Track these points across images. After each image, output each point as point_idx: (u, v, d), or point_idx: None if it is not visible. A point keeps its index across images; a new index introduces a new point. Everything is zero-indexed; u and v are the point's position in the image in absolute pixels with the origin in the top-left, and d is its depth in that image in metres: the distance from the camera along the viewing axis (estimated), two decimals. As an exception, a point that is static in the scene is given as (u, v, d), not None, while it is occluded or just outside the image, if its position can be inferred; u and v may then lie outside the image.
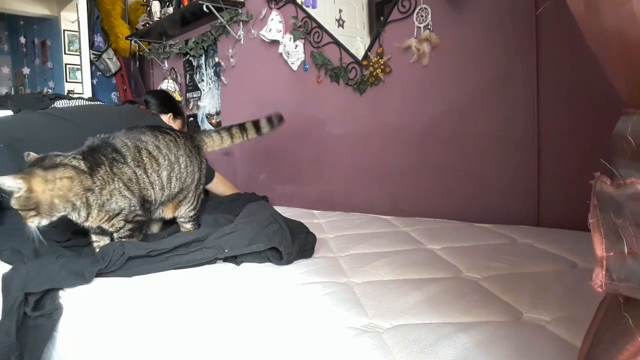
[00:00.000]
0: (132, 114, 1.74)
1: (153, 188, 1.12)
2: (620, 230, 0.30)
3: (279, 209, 1.96)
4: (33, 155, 1.02)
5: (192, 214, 1.25)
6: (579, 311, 0.68)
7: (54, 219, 0.99)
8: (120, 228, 1.08)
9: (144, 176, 1.10)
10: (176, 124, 2.13)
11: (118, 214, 1.06)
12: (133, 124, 1.61)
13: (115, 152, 1.06)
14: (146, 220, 1.15)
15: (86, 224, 1.06)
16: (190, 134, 1.28)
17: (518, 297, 0.75)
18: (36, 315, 0.85)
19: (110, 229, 1.08)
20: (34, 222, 0.96)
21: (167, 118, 2.03)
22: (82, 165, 1.00)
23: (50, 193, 0.95)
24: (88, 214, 1.03)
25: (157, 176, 1.11)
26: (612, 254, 0.30)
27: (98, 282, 0.92)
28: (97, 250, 1.06)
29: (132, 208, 1.07)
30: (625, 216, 0.29)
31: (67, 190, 0.97)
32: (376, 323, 0.68)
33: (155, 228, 1.29)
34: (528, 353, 0.57)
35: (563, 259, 0.97)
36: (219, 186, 1.95)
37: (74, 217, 1.03)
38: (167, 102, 2.19)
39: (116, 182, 1.04)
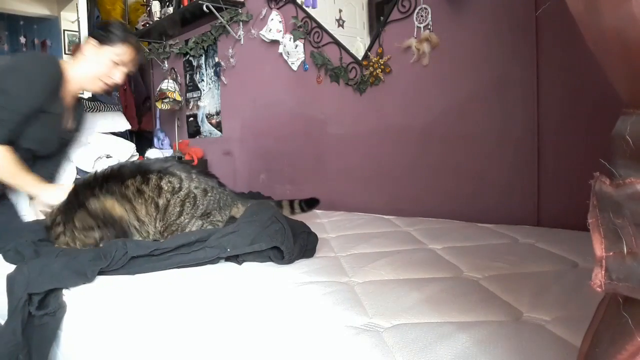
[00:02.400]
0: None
1: (127, 216, 1.16)
2: (620, 230, 0.30)
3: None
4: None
5: None
6: (579, 311, 0.68)
7: None
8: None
9: (111, 206, 1.15)
10: (98, 52, 1.55)
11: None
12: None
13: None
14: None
15: None
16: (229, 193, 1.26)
17: (518, 297, 0.75)
18: (41, 314, 0.86)
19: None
20: None
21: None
22: None
23: None
24: None
25: (135, 218, 1.16)
26: (611, 253, 0.30)
27: (100, 280, 0.93)
28: (101, 244, 1.08)
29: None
30: (625, 216, 0.29)
31: None
32: (376, 322, 0.68)
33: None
34: (528, 353, 0.57)
35: (564, 259, 0.97)
36: None
37: None
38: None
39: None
